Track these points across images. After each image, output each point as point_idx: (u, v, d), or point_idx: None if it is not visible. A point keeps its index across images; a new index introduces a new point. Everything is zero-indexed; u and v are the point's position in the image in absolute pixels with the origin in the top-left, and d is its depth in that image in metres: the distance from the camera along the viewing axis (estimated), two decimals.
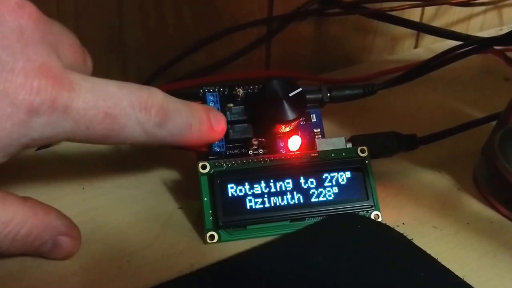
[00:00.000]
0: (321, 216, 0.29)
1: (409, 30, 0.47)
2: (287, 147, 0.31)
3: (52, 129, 0.22)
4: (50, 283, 0.25)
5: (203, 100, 0.30)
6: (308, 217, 0.29)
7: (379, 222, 0.29)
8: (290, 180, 0.29)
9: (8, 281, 0.25)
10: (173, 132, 0.26)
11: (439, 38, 0.43)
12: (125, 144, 0.25)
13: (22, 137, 0.22)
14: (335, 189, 0.29)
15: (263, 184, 0.28)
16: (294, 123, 0.30)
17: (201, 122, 0.27)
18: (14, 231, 0.23)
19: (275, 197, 0.28)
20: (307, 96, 0.31)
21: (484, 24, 0.54)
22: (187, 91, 0.34)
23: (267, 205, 0.28)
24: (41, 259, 0.26)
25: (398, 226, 0.30)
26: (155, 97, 0.25)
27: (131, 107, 0.24)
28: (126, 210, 0.30)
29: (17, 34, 0.22)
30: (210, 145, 0.29)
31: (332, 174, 0.29)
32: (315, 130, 0.32)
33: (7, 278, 0.25)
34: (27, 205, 0.24)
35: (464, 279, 0.26)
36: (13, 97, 0.21)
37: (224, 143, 0.30)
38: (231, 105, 0.30)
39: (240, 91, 0.30)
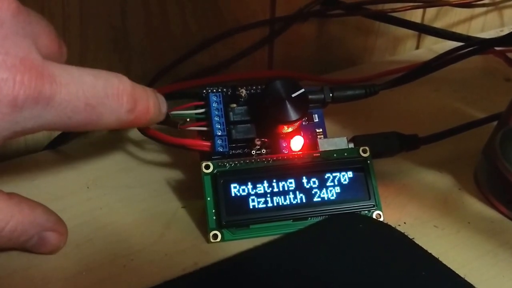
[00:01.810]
0: (323, 215, 0.29)
1: (410, 31, 0.47)
2: (290, 147, 0.31)
3: (35, 122, 0.22)
4: (54, 281, 0.26)
5: (206, 100, 0.30)
6: (311, 217, 0.29)
7: (381, 221, 0.30)
8: (292, 180, 0.29)
9: (11, 279, 0.26)
10: (138, 116, 0.26)
11: (440, 39, 0.43)
12: (98, 131, 0.26)
13: (4, 131, 0.22)
14: (337, 189, 0.29)
15: (266, 184, 0.29)
16: (296, 124, 0.30)
17: (154, 105, 0.27)
18: None
19: (278, 197, 0.29)
20: (310, 97, 0.31)
21: (485, 25, 0.54)
22: (190, 91, 0.35)
23: (269, 204, 0.29)
24: (45, 256, 0.26)
25: (399, 225, 0.30)
26: (125, 84, 0.25)
27: (107, 96, 0.24)
28: (130, 209, 0.30)
29: None
30: (213, 145, 0.30)
31: (334, 174, 0.30)
32: (317, 130, 0.32)
33: (10, 276, 0.26)
34: (13, 201, 0.24)
35: (465, 278, 0.26)
36: None
37: (227, 143, 0.30)
38: (234, 105, 0.31)
39: (243, 92, 0.31)
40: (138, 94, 0.26)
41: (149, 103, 0.27)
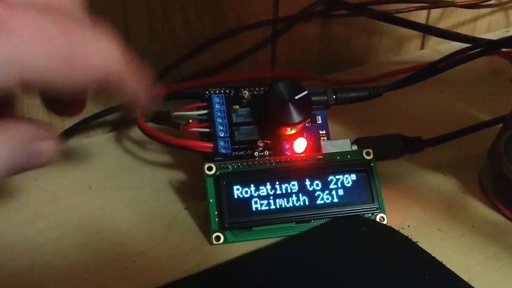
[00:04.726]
0: (326, 218, 0.29)
1: (415, 32, 0.47)
2: (293, 149, 0.31)
3: None
4: (55, 283, 0.26)
5: (209, 101, 0.30)
6: (314, 219, 0.29)
7: (384, 224, 0.29)
8: (295, 182, 0.29)
9: (16, 280, 0.25)
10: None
11: (445, 40, 0.43)
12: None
13: None
14: (340, 191, 0.29)
15: (268, 186, 0.29)
16: (299, 125, 0.30)
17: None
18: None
19: (281, 199, 0.29)
20: (313, 98, 0.31)
21: (490, 26, 0.54)
22: (192, 92, 0.34)
23: (272, 207, 0.28)
24: (49, 260, 0.26)
25: (403, 228, 0.30)
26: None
27: None
28: (132, 210, 0.30)
29: None
30: (215, 146, 0.29)
31: (337, 176, 0.29)
32: (321, 132, 0.32)
33: (15, 277, 0.26)
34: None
35: (469, 282, 0.26)
36: None
37: (229, 144, 0.30)
38: (237, 107, 0.30)
39: (246, 93, 0.30)
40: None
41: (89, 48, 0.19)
